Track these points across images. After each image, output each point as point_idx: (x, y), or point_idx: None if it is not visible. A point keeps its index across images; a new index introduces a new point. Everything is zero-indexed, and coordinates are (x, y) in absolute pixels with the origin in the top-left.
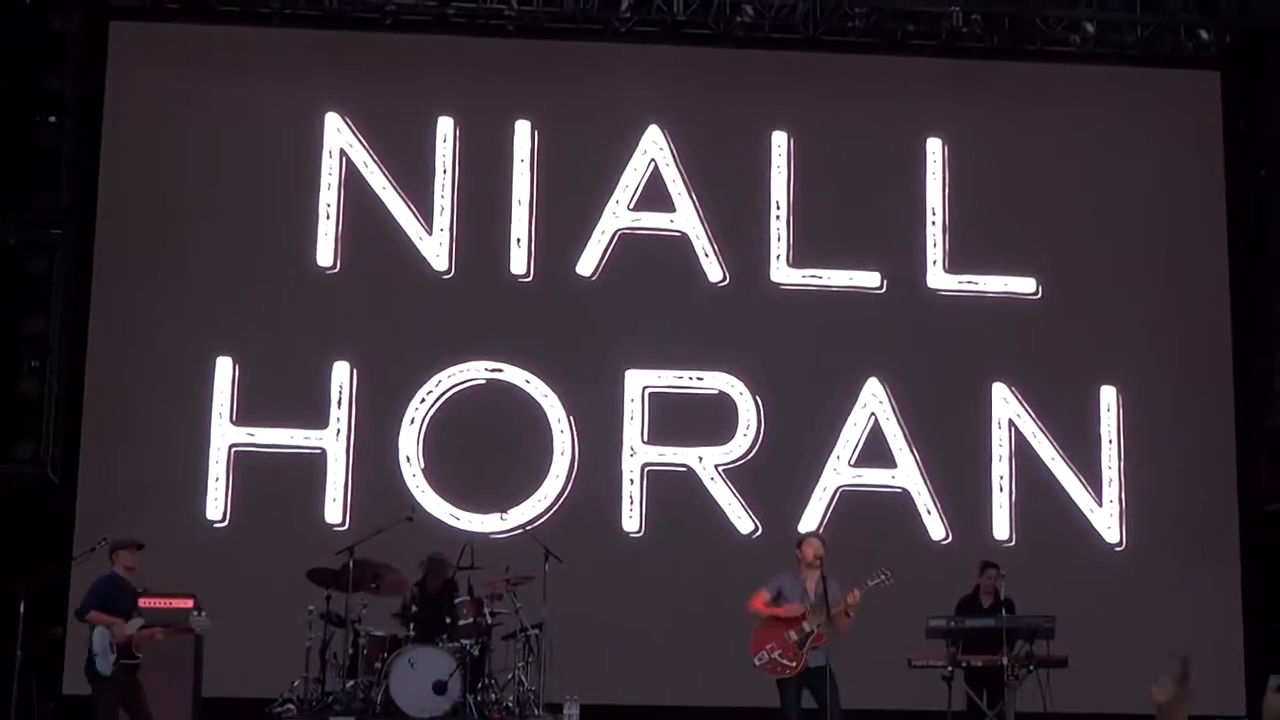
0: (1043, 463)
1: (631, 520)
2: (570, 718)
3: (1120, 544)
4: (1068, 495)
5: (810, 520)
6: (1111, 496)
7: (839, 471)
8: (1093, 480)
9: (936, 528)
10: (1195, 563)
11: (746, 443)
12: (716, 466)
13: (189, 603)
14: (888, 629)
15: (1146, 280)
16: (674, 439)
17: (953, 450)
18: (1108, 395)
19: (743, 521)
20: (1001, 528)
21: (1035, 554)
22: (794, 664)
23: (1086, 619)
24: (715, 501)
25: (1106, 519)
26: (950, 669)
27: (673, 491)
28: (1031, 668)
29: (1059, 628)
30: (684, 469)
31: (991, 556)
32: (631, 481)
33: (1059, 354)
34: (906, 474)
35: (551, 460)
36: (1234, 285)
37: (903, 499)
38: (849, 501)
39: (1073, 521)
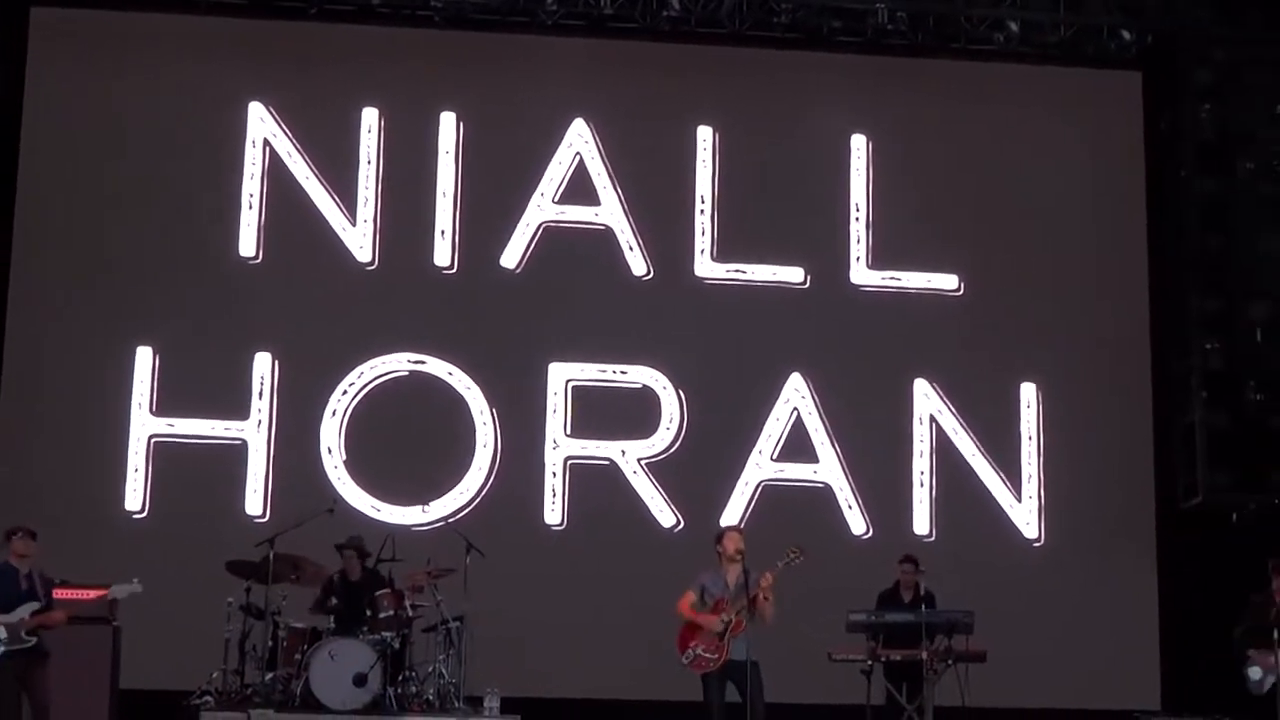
0: (963, 458)
1: (553, 513)
2: (491, 710)
3: (1039, 539)
4: (987, 491)
5: (732, 514)
6: (1030, 493)
7: (761, 466)
8: (1012, 476)
9: (858, 522)
10: (1113, 558)
11: (669, 436)
12: (639, 460)
13: (106, 593)
14: (808, 622)
15: (1068, 278)
16: (597, 432)
17: (875, 445)
18: (1028, 392)
19: (665, 515)
20: (922, 523)
21: (955, 549)
22: (716, 656)
23: (1005, 614)
24: (638, 495)
25: (1026, 515)
26: (870, 663)
27: (595, 485)
28: (950, 662)
29: (978, 622)
30: (607, 462)
31: (912, 551)
32: (554, 475)
33: (980, 350)
34: (828, 469)
35: (474, 453)
36: (1154, 285)
37: (824, 494)
38: (771, 496)
39: (992, 517)
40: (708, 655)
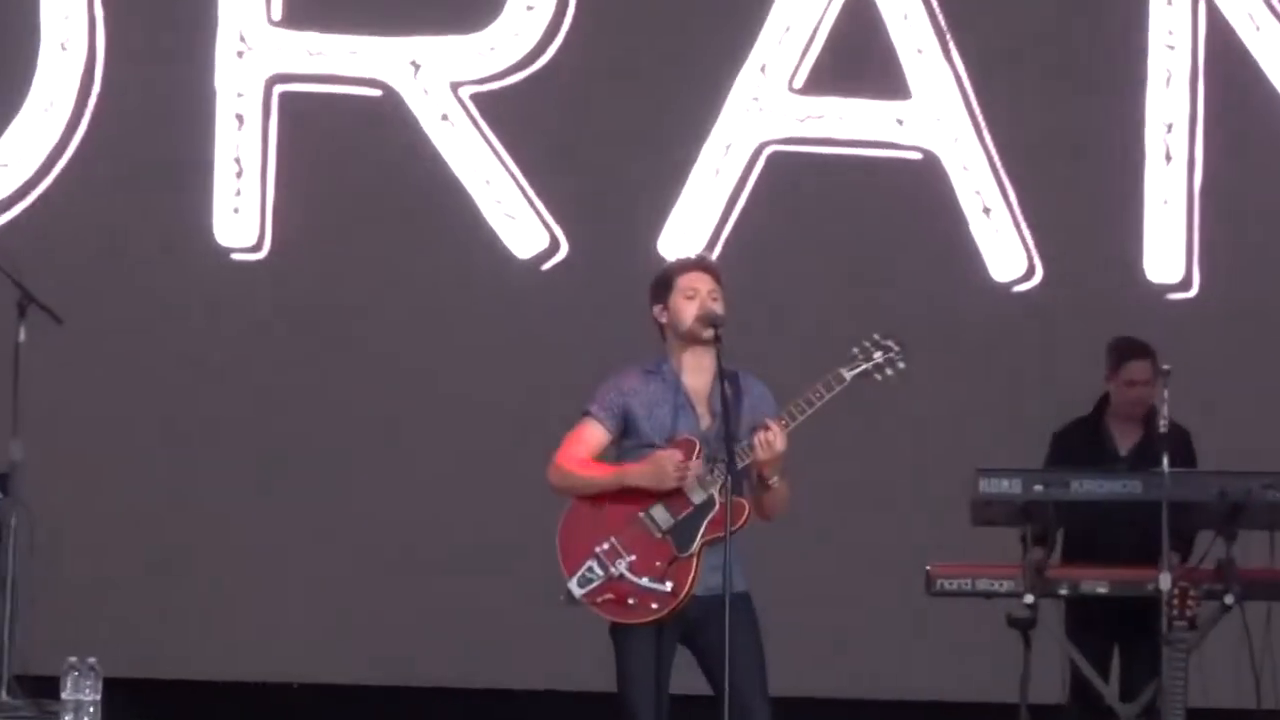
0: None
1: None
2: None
3: None
4: None
5: (693, 228)
6: None
7: (763, 103)
8: None
9: (1007, 249)
10: None
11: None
12: (454, 86)
13: None
14: (875, 503)
15: None
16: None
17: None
18: None
19: (520, 229)
20: (1168, 255)
21: (1242, 316)
22: (665, 587)
23: None
24: (447, 172)
25: None
26: (1032, 598)
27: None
28: (1231, 600)
29: None
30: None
31: (1141, 331)
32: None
33: None
34: (935, 116)
35: None
36: None
37: (925, 176)
38: (791, 178)
39: None
40: (640, 584)
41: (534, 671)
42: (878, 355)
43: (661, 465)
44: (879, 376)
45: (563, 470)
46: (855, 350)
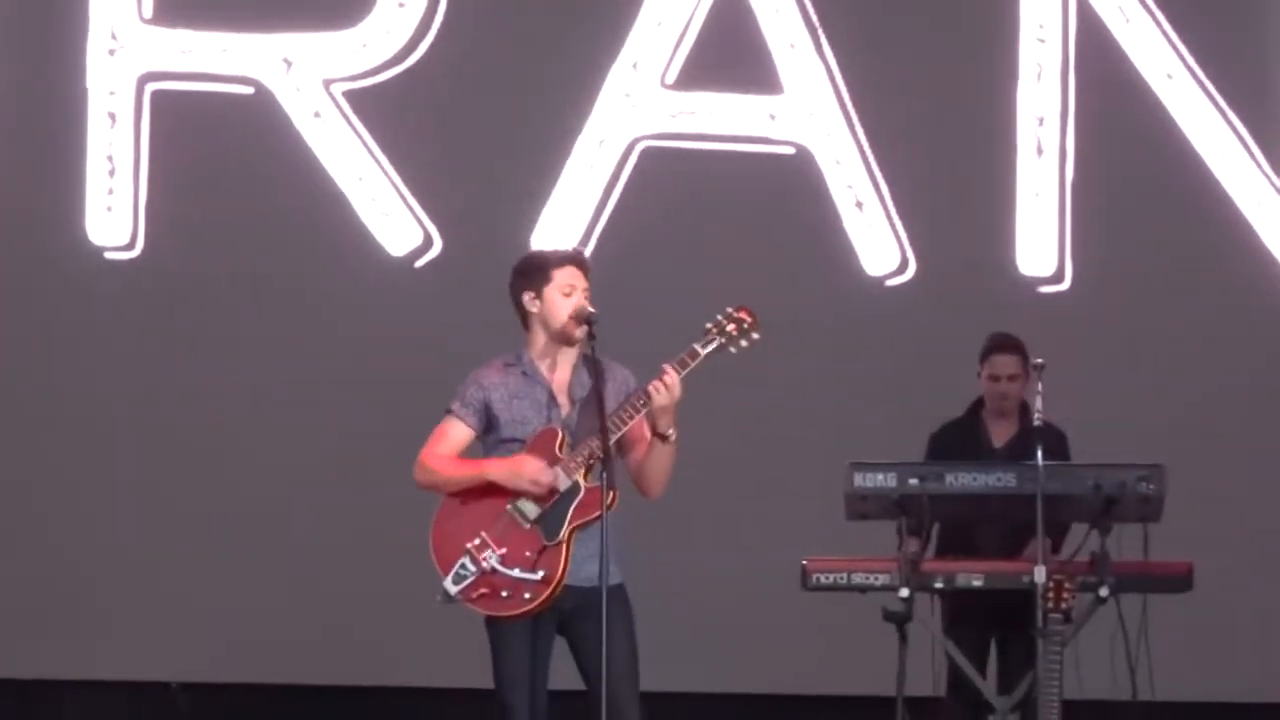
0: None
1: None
2: None
3: None
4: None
5: (562, 220)
6: None
7: (634, 99)
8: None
9: (880, 243)
10: None
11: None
12: (326, 84)
13: None
14: (753, 495)
15: None
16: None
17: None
18: None
19: (395, 226)
20: (1040, 244)
21: (1118, 307)
22: (536, 576)
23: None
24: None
25: None
26: (908, 591)
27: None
28: (1105, 593)
29: (1178, 497)
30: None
31: (1013, 327)
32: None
33: None
34: (808, 109)
35: None
36: None
37: (798, 170)
38: (663, 172)
39: (1223, 221)
40: (512, 573)
41: (412, 668)
42: (730, 328)
43: (519, 471)
44: (733, 349)
45: (426, 467)
46: (709, 325)
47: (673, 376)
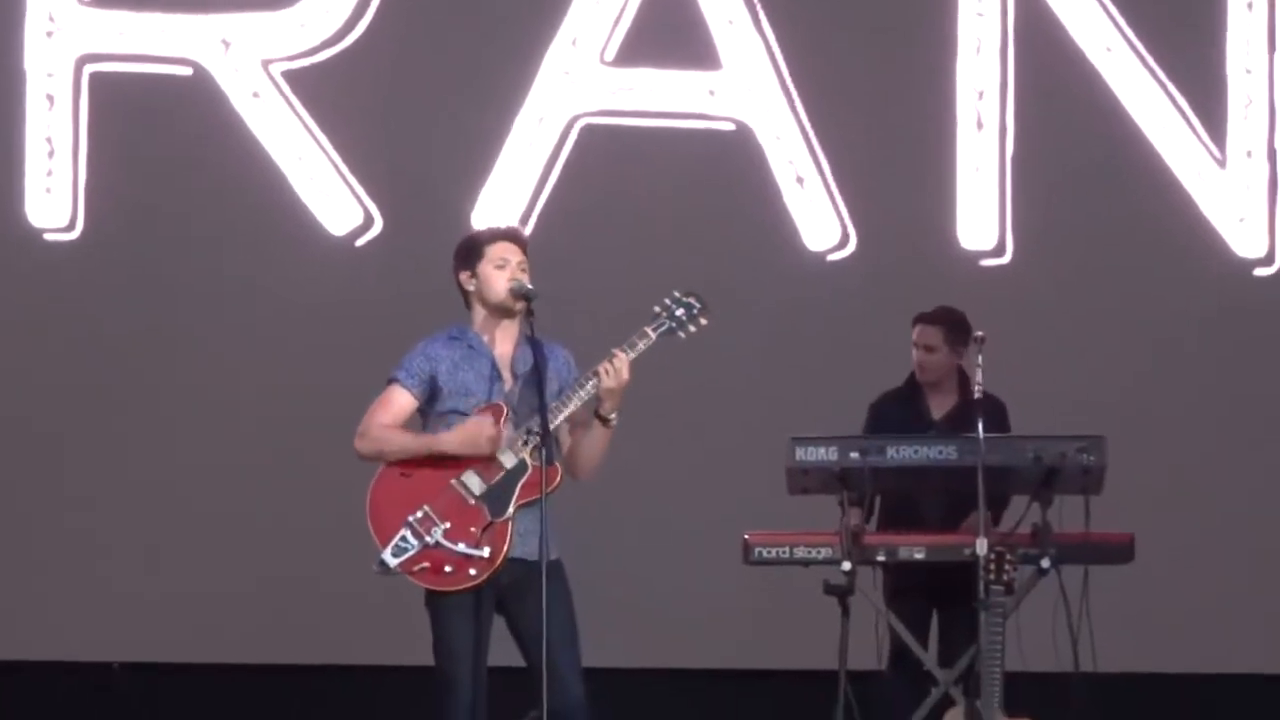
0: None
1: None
2: None
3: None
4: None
5: (502, 200)
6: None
7: (574, 77)
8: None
9: (821, 219)
10: None
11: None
12: (265, 64)
13: None
14: (696, 470)
15: None
16: None
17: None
18: None
19: (337, 207)
20: (981, 222)
21: (1057, 284)
22: (482, 553)
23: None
24: (262, 154)
25: (1239, 204)
26: (849, 565)
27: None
28: (1048, 564)
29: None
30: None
31: (952, 301)
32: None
33: None
34: (748, 86)
35: None
36: None
37: (738, 147)
38: (604, 148)
39: (1162, 208)
40: (457, 548)
41: (356, 646)
42: (680, 312)
43: (477, 432)
44: (683, 334)
45: (371, 436)
46: (657, 309)
47: (622, 359)
